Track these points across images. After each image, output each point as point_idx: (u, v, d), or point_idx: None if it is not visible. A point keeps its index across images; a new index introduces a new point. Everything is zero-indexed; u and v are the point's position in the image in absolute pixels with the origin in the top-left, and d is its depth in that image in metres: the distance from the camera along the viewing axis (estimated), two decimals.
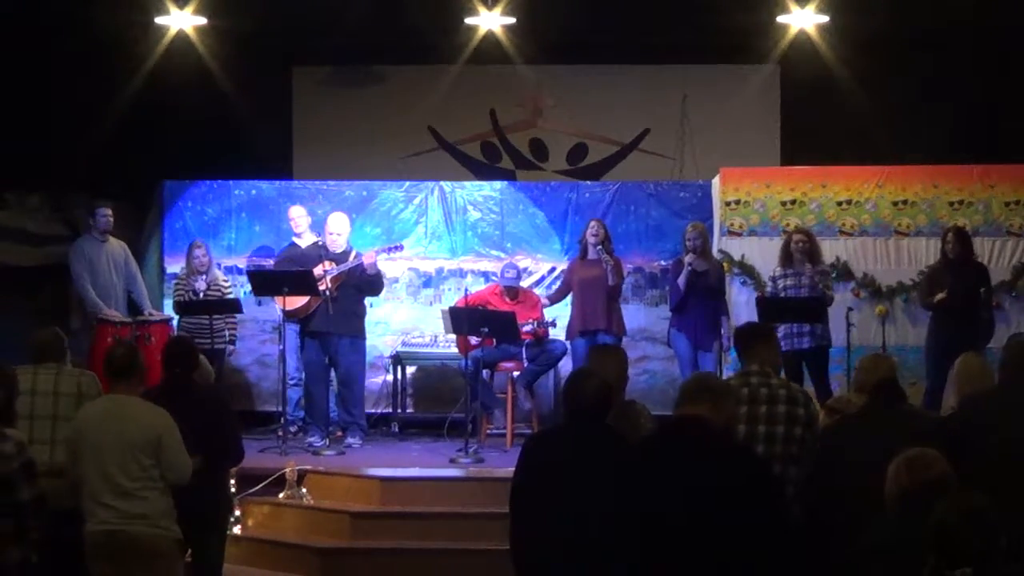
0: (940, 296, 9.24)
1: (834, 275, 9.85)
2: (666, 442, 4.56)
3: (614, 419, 5.01)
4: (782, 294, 9.43)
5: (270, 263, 10.50)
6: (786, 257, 9.52)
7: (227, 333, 10.17)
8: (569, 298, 10.11)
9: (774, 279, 9.56)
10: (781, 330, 9.20)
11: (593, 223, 9.95)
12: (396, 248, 9.93)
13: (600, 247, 9.77)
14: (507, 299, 9.98)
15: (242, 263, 11.05)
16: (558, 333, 10.03)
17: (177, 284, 10.37)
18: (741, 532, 4.16)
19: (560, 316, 10.32)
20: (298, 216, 10.30)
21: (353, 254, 9.65)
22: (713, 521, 4.17)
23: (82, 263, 9.99)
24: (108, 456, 5.39)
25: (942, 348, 9.05)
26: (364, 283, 9.61)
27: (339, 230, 9.73)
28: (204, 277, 10.18)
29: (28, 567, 5.06)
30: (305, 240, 10.18)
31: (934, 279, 9.44)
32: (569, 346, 9.94)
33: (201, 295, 10.07)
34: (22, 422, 5.88)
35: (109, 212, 10.05)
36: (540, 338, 9.83)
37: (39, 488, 5.15)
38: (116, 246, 10.20)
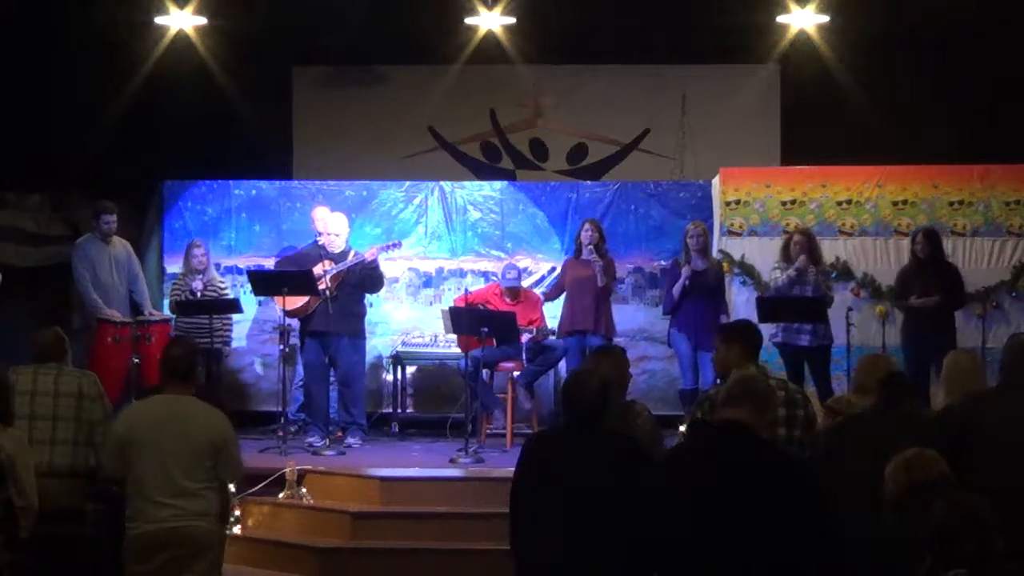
0: (919, 300, 9.27)
1: (834, 275, 9.85)
2: (706, 446, 4.58)
3: (612, 420, 5.00)
4: (794, 289, 9.36)
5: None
6: (786, 258, 9.52)
7: (224, 334, 10.18)
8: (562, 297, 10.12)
9: (782, 270, 9.48)
10: (781, 324, 9.22)
11: (587, 224, 9.94)
12: (395, 246, 9.94)
13: (592, 248, 9.77)
14: (508, 300, 9.98)
15: (242, 263, 11.06)
16: None
17: (175, 284, 10.38)
18: (783, 541, 4.18)
19: (553, 316, 10.33)
20: (324, 216, 10.27)
21: (352, 254, 9.66)
22: (754, 529, 4.19)
23: (84, 263, 9.98)
24: (171, 457, 5.35)
25: (915, 348, 9.19)
26: (366, 278, 9.60)
27: (338, 231, 9.73)
28: (201, 277, 10.18)
29: (5, 570, 5.05)
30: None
31: (906, 280, 9.47)
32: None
33: (198, 295, 10.08)
34: (22, 422, 5.89)
35: (113, 219, 10.01)
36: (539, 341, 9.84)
37: (8, 493, 5.12)
38: (119, 245, 10.20)
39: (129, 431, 5.49)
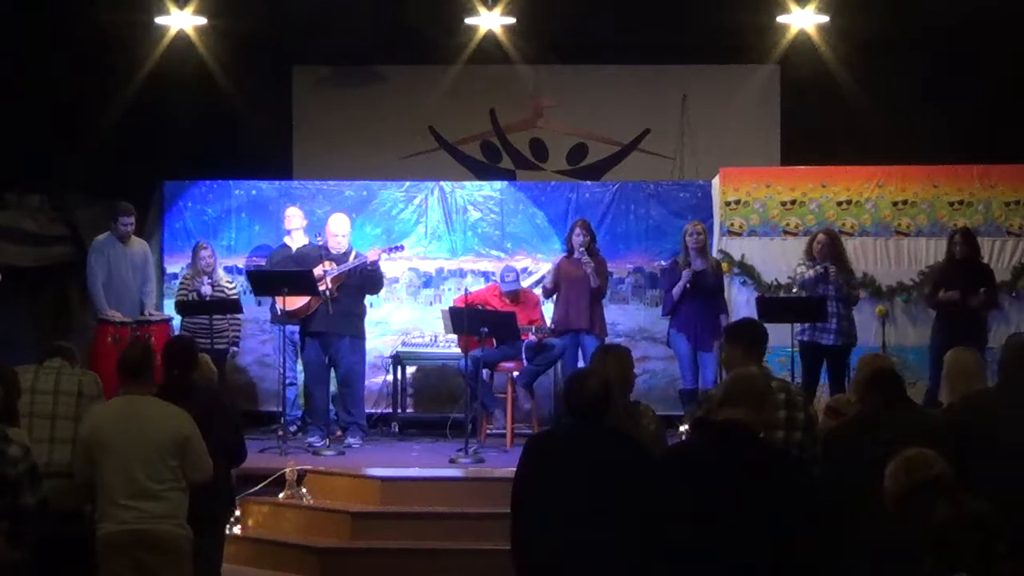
0: (950, 295, 9.24)
1: None
2: (704, 446, 4.57)
3: (617, 419, 5.00)
4: (818, 288, 9.31)
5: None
6: (810, 257, 9.46)
7: (230, 334, 10.17)
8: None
9: (808, 267, 9.39)
10: (807, 323, 9.18)
11: (578, 227, 9.91)
12: (397, 249, 9.94)
13: (584, 250, 9.76)
14: (507, 301, 9.97)
15: (242, 263, 11.05)
16: None
17: (181, 284, 10.38)
18: (781, 540, 4.18)
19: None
20: (292, 215, 10.31)
21: (353, 255, 9.66)
22: (752, 528, 4.19)
23: (100, 261, 10.01)
24: (133, 458, 5.35)
25: (945, 348, 9.06)
26: (367, 279, 9.61)
27: (341, 232, 9.72)
28: (209, 279, 10.17)
29: (21, 568, 5.05)
30: (296, 241, 10.19)
31: (940, 278, 9.45)
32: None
33: (208, 297, 10.06)
34: (21, 420, 5.88)
35: (131, 220, 10.06)
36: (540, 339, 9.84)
37: (43, 493, 5.15)
38: (138, 246, 10.23)
39: (91, 433, 5.50)
